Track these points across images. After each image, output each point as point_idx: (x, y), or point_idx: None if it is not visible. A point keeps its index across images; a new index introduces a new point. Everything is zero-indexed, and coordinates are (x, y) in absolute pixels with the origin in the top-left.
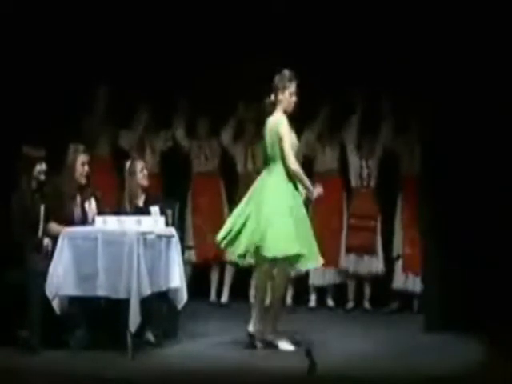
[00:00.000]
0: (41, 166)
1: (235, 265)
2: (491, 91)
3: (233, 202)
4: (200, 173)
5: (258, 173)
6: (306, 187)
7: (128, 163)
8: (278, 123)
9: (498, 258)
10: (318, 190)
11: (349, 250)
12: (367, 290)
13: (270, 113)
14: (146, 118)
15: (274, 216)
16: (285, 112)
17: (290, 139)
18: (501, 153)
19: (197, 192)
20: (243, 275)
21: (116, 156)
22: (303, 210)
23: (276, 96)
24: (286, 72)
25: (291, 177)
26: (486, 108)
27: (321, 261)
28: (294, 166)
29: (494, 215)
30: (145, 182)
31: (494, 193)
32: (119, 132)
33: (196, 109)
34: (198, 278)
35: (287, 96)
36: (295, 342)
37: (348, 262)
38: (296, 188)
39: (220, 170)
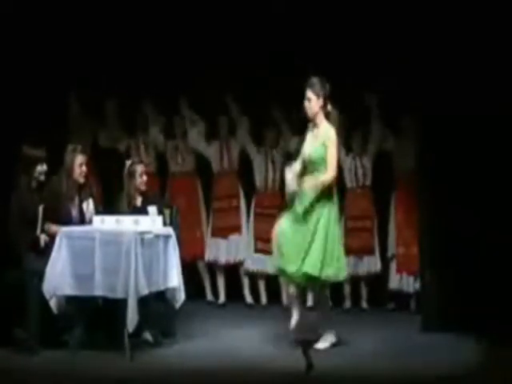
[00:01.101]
0: (42, 167)
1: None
2: (489, 89)
3: (209, 201)
4: (176, 173)
5: (235, 172)
6: None
7: (128, 163)
8: None
9: (496, 258)
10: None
11: (348, 253)
12: (364, 290)
13: None
14: (113, 117)
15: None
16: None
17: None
18: (500, 152)
19: (174, 192)
20: (239, 276)
21: (97, 157)
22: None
23: None
24: None
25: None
26: (484, 107)
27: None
28: None
29: (492, 215)
30: (143, 187)
31: (494, 192)
32: (99, 133)
33: (171, 109)
34: (195, 277)
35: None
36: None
37: (347, 264)
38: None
39: (196, 170)
